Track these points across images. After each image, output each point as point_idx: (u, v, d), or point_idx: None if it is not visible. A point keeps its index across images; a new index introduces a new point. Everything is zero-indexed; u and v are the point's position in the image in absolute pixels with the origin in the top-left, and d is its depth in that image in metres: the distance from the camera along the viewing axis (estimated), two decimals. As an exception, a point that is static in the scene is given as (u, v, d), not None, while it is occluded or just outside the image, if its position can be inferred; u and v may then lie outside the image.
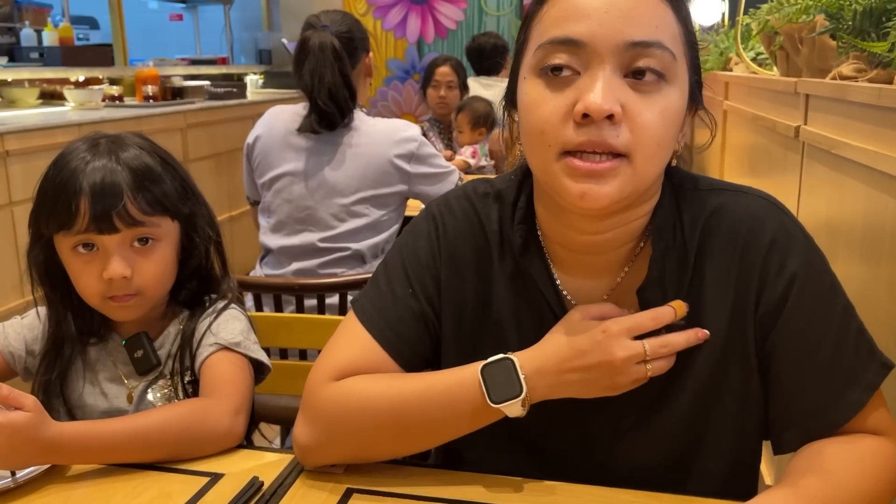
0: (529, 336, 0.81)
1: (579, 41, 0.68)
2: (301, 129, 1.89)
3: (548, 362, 0.75)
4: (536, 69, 0.72)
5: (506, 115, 0.82)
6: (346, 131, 1.89)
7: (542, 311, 0.82)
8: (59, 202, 0.96)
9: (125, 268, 0.97)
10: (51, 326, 1.05)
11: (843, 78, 1.21)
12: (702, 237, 0.79)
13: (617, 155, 0.69)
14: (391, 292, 0.85)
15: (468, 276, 0.85)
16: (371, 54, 2.03)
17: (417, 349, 0.85)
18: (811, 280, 0.76)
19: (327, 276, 1.87)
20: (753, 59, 2.05)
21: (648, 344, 0.73)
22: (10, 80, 3.44)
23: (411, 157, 1.90)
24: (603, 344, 0.73)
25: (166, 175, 1.02)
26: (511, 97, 0.79)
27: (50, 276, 1.03)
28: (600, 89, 0.67)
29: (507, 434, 0.83)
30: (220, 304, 1.08)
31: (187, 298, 1.09)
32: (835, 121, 1.24)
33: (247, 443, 1.09)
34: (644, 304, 0.78)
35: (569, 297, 0.82)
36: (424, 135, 2.00)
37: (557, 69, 0.70)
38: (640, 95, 0.69)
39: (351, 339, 0.84)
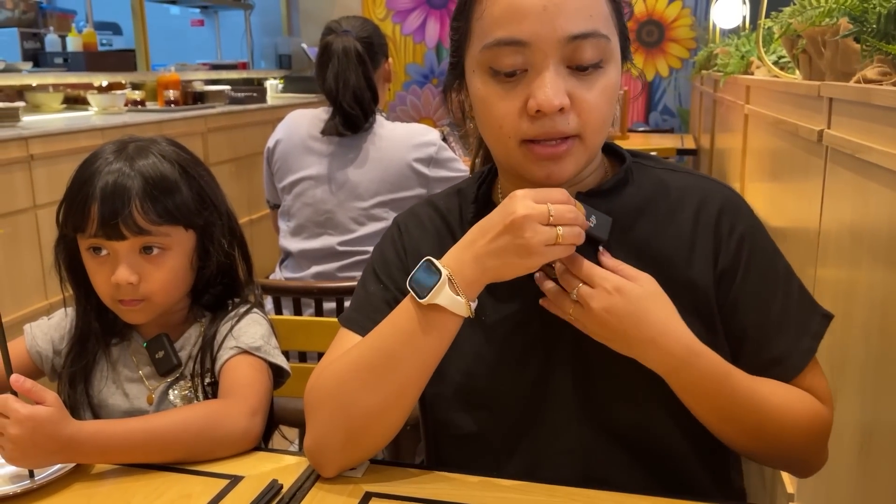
0: (499, 296, 0.85)
1: (523, 41, 0.75)
2: (325, 132, 1.91)
3: (464, 242, 0.79)
4: (485, 67, 0.78)
5: (452, 94, 0.87)
6: (366, 135, 1.91)
7: None
8: (74, 204, 0.99)
9: (131, 274, 0.99)
10: (76, 320, 1.08)
11: (867, 81, 1.19)
12: (653, 197, 0.87)
13: (570, 136, 0.77)
14: (364, 291, 0.92)
15: None
16: (390, 60, 2.05)
17: None
18: (757, 240, 0.85)
19: (346, 279, 1.88)
20: (775, 63, 2.03)
21: (554, 209, 0.75)
22: (34, 84, 3.50)
23: (430, 161, 1.91)
24: (506, 206, 0.76)
25: (183, 184, 1.03)
26: (457, 77, 0.85)
27: (74, 273, 1.06)
28: (549, 86, 0.74)
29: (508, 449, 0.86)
30: (242, 309, 1.09)
31: (210, 302, 1.10)
32: (859, 125, 1.22)
33: (265, 446, 1.09)
34: (589, 194, 0.84)
35: None
36: (444, 139, 2.02)
37: (509, 73, 0.77)
38: (583, 81, 0.77)
39: (336, 344, 0.89)
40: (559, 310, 0.80)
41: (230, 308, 1.10)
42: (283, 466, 0.87)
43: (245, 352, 1.02)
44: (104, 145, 1.04)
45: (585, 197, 0.84)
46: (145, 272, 1.00)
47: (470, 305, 0.78)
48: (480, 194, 0.91)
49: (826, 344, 0.86)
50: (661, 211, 0.86)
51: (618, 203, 0.85)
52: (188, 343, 1.08)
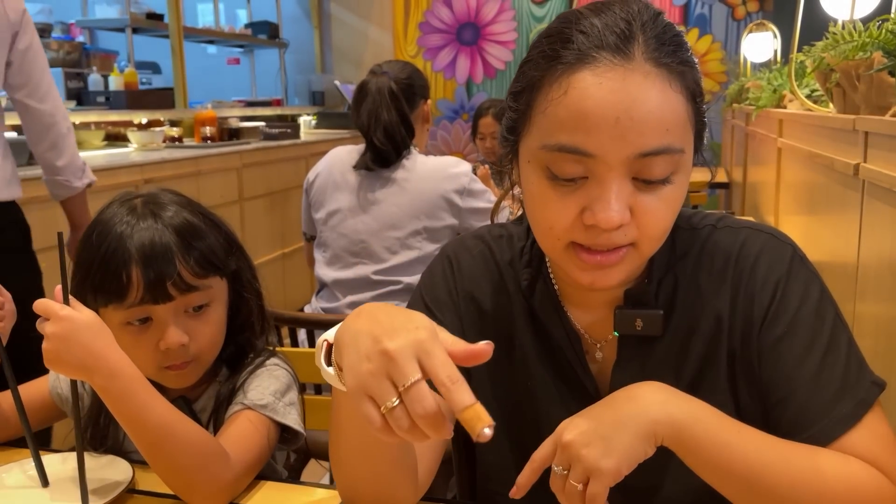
0: (549, 372, 0.82)
1: (588, 153, 0.67)
2: (356, 167, 1.97)
3: (359, 315, 0.63)
4: (542, 166, 0.70)
5: (505, 162, 0.78)
6: (399, 168, 1.96)
7: (555, 347, 0.83)
8: (108, 273, 0.91)
9: (182, 335, 0.93)
10: (94, 397, 0.99)
11: (903, 115, 1.18)
12: (693, 270, 0.80)
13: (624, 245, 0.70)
14: None
15: (488, 312, 0.86)
16: (429, 102, 2.11)
17: None
18: (794, 285, 0.76)
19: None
20: (808, 96, 2.03)
21: (415, 389, 0.55)
22: (77, 122, 3.60)
23: (462, 192, 1.96)
24: (395, 328, 0.58)
25: (209, 229, 0.98)
26: (511, 154, 0.77)
27: None
28: (610, 201, 0.67)
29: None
30: (260, 359, 1.02)
31: (231, 354, 1.04)
32: (896, 158, 1.21)
33: (297, 479, 1.09)
34: (628, 299, 0.78)
35: (581, 332, 0.83)
36: (474, 172, 2.07)
37: (568, 180, 0.69)
38: (648, 192, 0.69)
39: None
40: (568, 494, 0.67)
41: (248, 360, 1.03)
42: (315, 500, 0.87)
43: (249, 408, 0.95)
44: (109, 207, 0.97)
45: (628, 304, 0.78)
46: (193, 330, 0.95)
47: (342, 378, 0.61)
48: (534, 256, 0.84)
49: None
50: (703, 283, 0.79)
51: (663, 291, 0.79)
52: (209, 404, 1.01)
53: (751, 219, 2.85)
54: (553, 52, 0.69)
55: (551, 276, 0.83)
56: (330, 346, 0.65)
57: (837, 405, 0.71)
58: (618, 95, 0.65)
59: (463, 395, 0.54)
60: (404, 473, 0.78)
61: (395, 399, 0.55)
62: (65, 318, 0.80)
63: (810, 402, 0.72)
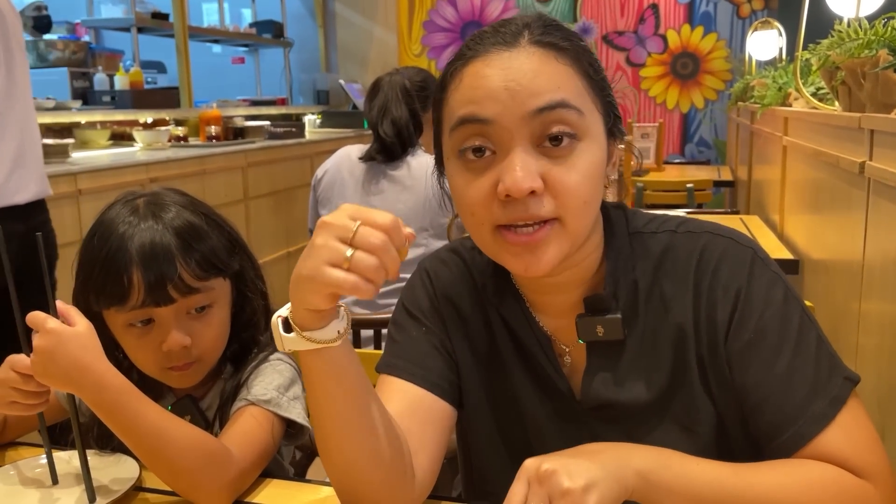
0: (526, 375, 0.84)
1: (485, 119, 0.72)
2: (363, 158, 2.00)
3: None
4: (455, 151, 0.75)
5: (441, 181, 0.83)
6: (405, 165, 1.99)
7: (528, 352, 0.84)
8: (109, 277, 0.91)
9: (184, 337, 0.93)
10: None
11: (909, 113, 1.18)
12: (654, 275, 0.81)
13: (548, 220, 0.72)
14: (408, 337, 0.87)
15: (468, 318, 0.88)
16: None
17: (449, 377, 0.86)
18: (756, 289, 0.76)
19: (386, 306, 1.92)
20: (813, 94, 2.02)
21: (361, 229, 0.63)
22: (83, 122, 3.61)
23: None
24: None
25: (212, 230, 0.98)
26: (440, 169, 0.83)
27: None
28: (517, 168, 0.70)
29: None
30: (263, 354, 1.03)
31: (236, 352, 1.04)
32: (902, 156, 1.21)
33: (303, 477, 1.09)
34: (587, 306, 0.79)
35: (551, 336, 0.84)
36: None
37: (476, 150, 0.73)
38: (557, 160, 0.72)
39: (382, 393, 0.81)
40: None
41: (252, 356, 1.03)
42: (322, 497, 0.87)
43: (253, 403, 0.95)
44: (112, 207, 0.97)
45: (588, 311, 0.79)
46: (195, 332, 0.95)
47: (304, 335, 0.67)
48: (493, 267, 0.85)
49: (873, 379, 0.83)
50: (666, 289, 0.80)
51: (622, 296, 0.80)
52: (214, 401, 1.02)
53: (755, 217, 2.84)
54: (455, 57, 0.77)
55: (516, 283, 0.85)
56: (285, 320, 0.68)
57: (811, 405, 0.72)
58: (505, 71, 0.72)
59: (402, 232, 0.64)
60: (392, 454, 0.75)
61: (348, 250, 0.62)
62: (51, 331, 0.81)
63: (784, 405, 0.73)
